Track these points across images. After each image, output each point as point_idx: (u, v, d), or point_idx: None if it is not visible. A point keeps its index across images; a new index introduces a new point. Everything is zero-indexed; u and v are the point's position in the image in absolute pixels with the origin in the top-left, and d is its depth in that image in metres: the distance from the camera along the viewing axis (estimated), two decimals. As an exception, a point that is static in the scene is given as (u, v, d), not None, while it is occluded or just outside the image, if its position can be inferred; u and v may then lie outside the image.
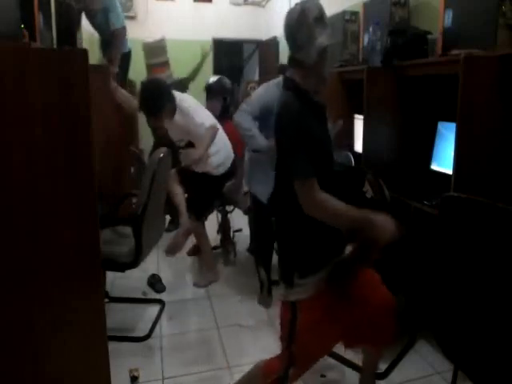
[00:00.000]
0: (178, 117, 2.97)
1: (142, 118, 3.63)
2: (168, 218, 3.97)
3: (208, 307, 2.86)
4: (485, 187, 1.93)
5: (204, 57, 4.69)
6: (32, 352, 1.53)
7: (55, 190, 1.48)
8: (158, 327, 2.58)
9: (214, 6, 6.70)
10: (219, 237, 3.76)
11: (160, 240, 2.72)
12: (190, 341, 2.53)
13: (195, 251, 3.57)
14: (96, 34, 4.06)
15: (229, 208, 3.66)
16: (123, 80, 3.91)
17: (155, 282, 3.09)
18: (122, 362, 2.17)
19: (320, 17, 1.47)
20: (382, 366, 2.09)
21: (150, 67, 4.51)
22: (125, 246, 2.34)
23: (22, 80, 1.39)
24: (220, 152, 3.12)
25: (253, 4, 6.83)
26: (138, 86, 4.18)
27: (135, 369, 2.13)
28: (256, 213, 3.04)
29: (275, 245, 1.99)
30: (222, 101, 3.70)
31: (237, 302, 2.92)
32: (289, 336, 1.53)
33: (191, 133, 2.98)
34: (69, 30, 2.82)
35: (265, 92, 2.66)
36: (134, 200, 2.78)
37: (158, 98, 2.87)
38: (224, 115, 3.60)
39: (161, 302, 2.85)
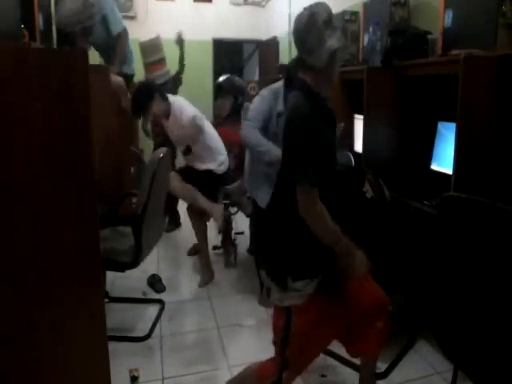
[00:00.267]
0: (171, 118, 3.06)
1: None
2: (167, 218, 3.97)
3: (208, 307, 2.85)
4: (485, 187, 1.93)
5: (180, 45, 4.63)
6: (32, 352, 1.53)
7: (55, 190, 1.48)
8: (157, 327, 2.58)
9: (213, 6, 6.70)
10: (220, 237, 3.75)
11: (160, 240, 2.72)
12: (190, 341, 2.53)
13: (195, 251, 3.57)
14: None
15: (232, 210, 3.65)
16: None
17: (155, 282, 3.09)
18: (121, 362, 2.17)
19: (329, 20, 1.47)
20: (382, 366, 2.09)
21: (147, 66, 4.50)
22: (125, 246, 2.33)
23: (21, 80, 1.39)
24: (221, 150, 3.22)
25: (253, 4, 6.83)
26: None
27: (135, 369, 2.13)
28: (256, 216, 3.03)
29: (257, 247, 2.00)
30: (233, 100, 3.52)
31: (237, 302, 2.92)
32: (283, 340, 1.53)
33: (185, 132, 3.05)
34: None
35: (260, 104, 2.60)
36: (134, 200, 2.78)
37: (137, 99, 2.98)
38: (233, 116, 3.49)
39: (161, 302, 2.85)
